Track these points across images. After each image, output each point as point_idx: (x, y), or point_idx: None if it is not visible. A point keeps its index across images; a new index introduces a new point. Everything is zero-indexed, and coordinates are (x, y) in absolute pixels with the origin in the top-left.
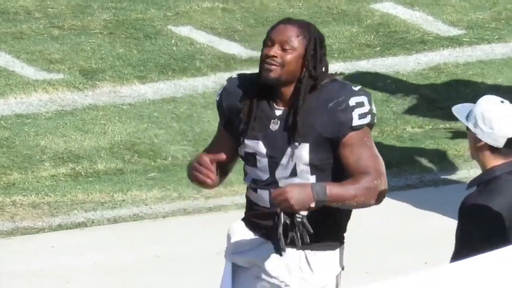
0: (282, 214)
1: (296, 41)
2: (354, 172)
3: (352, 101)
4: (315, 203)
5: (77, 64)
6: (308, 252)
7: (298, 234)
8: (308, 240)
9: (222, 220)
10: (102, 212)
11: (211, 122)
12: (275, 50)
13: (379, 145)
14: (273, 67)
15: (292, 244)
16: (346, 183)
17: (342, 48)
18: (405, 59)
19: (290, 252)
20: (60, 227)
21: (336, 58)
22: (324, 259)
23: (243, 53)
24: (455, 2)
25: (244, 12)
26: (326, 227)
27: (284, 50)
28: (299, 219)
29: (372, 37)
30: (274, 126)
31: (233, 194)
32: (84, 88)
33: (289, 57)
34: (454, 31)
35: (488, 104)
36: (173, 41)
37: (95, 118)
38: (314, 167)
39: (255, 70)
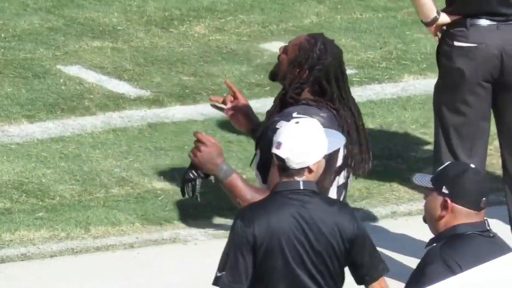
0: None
1: (292, 47)
2: (268, 184)
3: (279, 125)
4: (214, 176)
5: None
6: None
7: (185, 186)
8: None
9: (109, 259)
10: None
11: (99, 161)
12: (282, 48)
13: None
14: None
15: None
16: (253, 187)
17: None
18: None
19: None
20: None
21: None
22: None
23: (132, 92)
24: (346, 42)
25: (134, 51)
26: None
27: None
28: (191, 175)
29: (262, 76)
30: None
31: (121, 234)
32: None
33: (281, 57)
34: None
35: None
36: (62, 80)
37: None
38: (263, 176)
39: (145, 109)
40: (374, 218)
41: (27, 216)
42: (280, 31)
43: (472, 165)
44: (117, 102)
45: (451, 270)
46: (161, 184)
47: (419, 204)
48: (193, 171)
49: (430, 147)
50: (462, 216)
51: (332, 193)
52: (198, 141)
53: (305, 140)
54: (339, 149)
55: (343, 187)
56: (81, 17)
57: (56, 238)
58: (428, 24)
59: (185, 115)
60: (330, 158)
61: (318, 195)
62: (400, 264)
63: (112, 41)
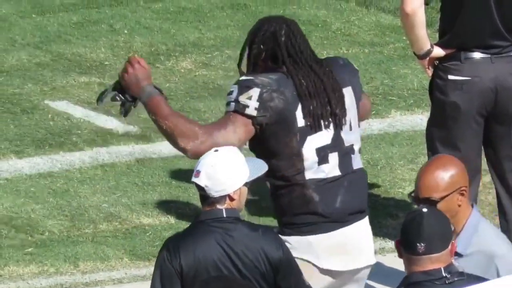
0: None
1: None
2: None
3: (229, 88)
4: (139, 96)
5: None
6: None
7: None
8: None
9: None
10: None
11: (87, 197)
12: None
13: None
14: None
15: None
16: (176, 114)
17: None
18: None
19: None
20: None
21: None
22: None
23: (120, 128)
24: None
25: None
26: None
27: None
28: (117, 98)
29: None
30: None
31: (110, 269)
32: None
33: None
34: None
35: None
36: (49, 115)
37: None
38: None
39: (133, 145)
40: None
41: (16, 251)
42: None
43: (425, 209)
44: (104, 137)
45: None
46: (149, 220)
47: None
48: (119, 95)
49: None
50: (412, 262)
51: (310, 155)
52: (128, 63)
53: (224, 168)
54: (296, 109)
55: (328, 149)
56: (68, 53)
57: (45, 274)
58: (421, 57)
59: (172, 150)
60: (284, 118)
61: (241, 222)
62: None
63: (99, 76)
